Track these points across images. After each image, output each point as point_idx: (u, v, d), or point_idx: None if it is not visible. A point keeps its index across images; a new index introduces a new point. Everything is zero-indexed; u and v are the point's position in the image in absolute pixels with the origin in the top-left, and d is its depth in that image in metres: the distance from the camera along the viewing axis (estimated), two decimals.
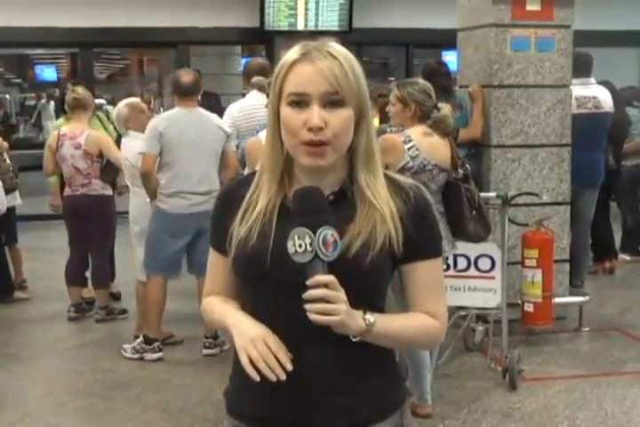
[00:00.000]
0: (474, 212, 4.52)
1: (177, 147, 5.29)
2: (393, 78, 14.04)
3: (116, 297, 6.88)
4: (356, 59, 1.78)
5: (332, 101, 1.71)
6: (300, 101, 1.71)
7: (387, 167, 4.25)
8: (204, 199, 5.30)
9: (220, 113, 6.59)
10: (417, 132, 4.35)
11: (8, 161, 6.88)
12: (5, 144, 6.96)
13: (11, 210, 6.88)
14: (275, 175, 1.80)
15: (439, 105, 4.46)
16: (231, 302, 1.89)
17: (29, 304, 7.00)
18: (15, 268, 7.30)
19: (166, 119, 5.43)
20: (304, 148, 1.72)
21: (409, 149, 4.28)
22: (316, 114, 1.70)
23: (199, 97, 5.61)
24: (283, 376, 1.66)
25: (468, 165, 4.62)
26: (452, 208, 4.45)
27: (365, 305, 1.72)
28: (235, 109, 5.66)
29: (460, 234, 4.53)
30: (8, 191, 6.71)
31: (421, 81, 4.58)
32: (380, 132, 4.80)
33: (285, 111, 1.74)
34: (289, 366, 1.66)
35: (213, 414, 4.43)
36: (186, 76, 5.46)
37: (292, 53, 1.76)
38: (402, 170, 4.23)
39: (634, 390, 4.83)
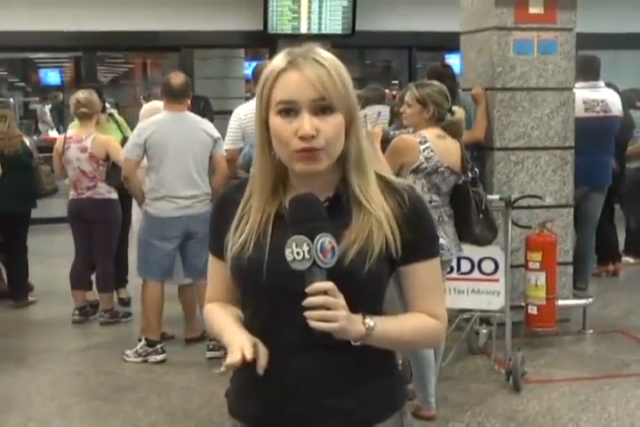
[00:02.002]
0: (481, 215, 4.53)
1: (162, 152, 5.34)
2: (396, 81, 14.08)
3: (125, 302, 6.87)
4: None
5: (322, 108, 1.71)
6: (290, 109, 1.71)
7: (401, 167, 4.29)
8: (189, 203, 5.37)
9: (210, 116, 6.57)
10: (432, 134, 4.36)
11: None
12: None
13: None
14: (266, 185, 1.80)
15: (454, 108, 4.47)
16: (231, 310, 1.89)
17: (34, 307, 7.01)
18: None
19: (152, 125, 5.45)
20: (298, 155, 1.72)
21: (424, 149, 4.28)
22: (306, 122, 1.69)
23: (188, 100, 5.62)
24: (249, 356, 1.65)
25: (476, 169, 4.64)
26: (459, 211, 4.46)
27: (364, 309, 1.73)
28: (242, 112, 5.65)
29: (467, 237, 4.53)
30: (50, 194, 6.97)
31: (438, 83, 4.56)
32: (385, 135, 4.81)
33: (275, 121, 1.73)
34: (248, 356, 1.65)
35: (217, 417, 4.43)
36: (176, 79, 5.48)
37: (277, 62, 1.75)
38: (416, 170, 4.27)
39: (638, 393, 4.83)
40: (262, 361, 1.68)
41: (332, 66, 1.73)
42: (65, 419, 4.69)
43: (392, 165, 4.22)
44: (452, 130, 4.42)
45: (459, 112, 4.48)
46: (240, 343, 1.68)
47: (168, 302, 5.68)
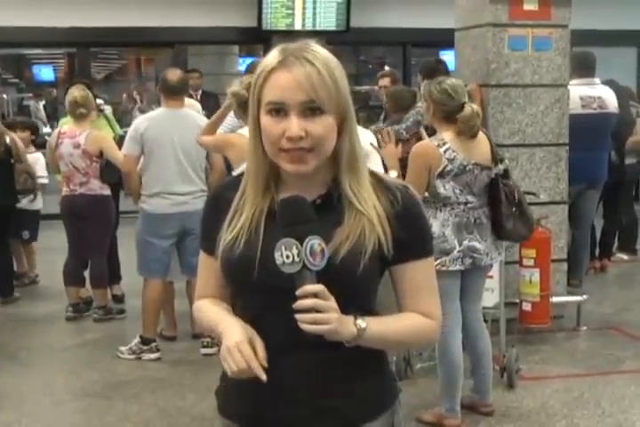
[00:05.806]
0: (514, 209, 4.31)
1: (157, 147, 5.34)
2: None
3: (119, 299, 6.86)
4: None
5: (311, 109, 1.70)
6: (279, 109, 1.70)
7: (423, 172, 4.10)
8: (184, 200, 5.37)
9: None
10: (451, 133, 4.17)
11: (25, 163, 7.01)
12: (22, 146, 7.05)
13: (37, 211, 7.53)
14: (259, 182, 1.79)
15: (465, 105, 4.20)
16: (222, 305, 1.88)
17: (27, 304, 6.99)
18: (29, 263, 7.77)
19: (148, 119, 5.48)
20: (285, 155, 1.71)
21: (445, 151, 4.11)
22: (294, 124, 1.68)
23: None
24: (263, 377, 1.66)
25: (506, 160, 4.47)
26: (490, 207, 4.27)
27: (355, 308, 1.72)
28: None
29: (498, 233, 4.29)
30: (26, 193, 7.08)
31: (449, 80, 4.30)
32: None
33: (265, 120, 1.72)
34: (263, 377, 1.67)
35: (211, 414, 4.37)
36: (174, 75, 5.49)
37: (269, 59, 1.73)
38: (442, 174, 4.09)
39: (631, 389, 4.84)
40: (262, 353, 1.68)
41: (324, 65, 1.71)
42: (58, 415, 4.68)
43: (420, 172, 4.08)
44: (465, 129, 4.14)
45: (467, 108, 4.15)
46: (237, 342, 1.68)
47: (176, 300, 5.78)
